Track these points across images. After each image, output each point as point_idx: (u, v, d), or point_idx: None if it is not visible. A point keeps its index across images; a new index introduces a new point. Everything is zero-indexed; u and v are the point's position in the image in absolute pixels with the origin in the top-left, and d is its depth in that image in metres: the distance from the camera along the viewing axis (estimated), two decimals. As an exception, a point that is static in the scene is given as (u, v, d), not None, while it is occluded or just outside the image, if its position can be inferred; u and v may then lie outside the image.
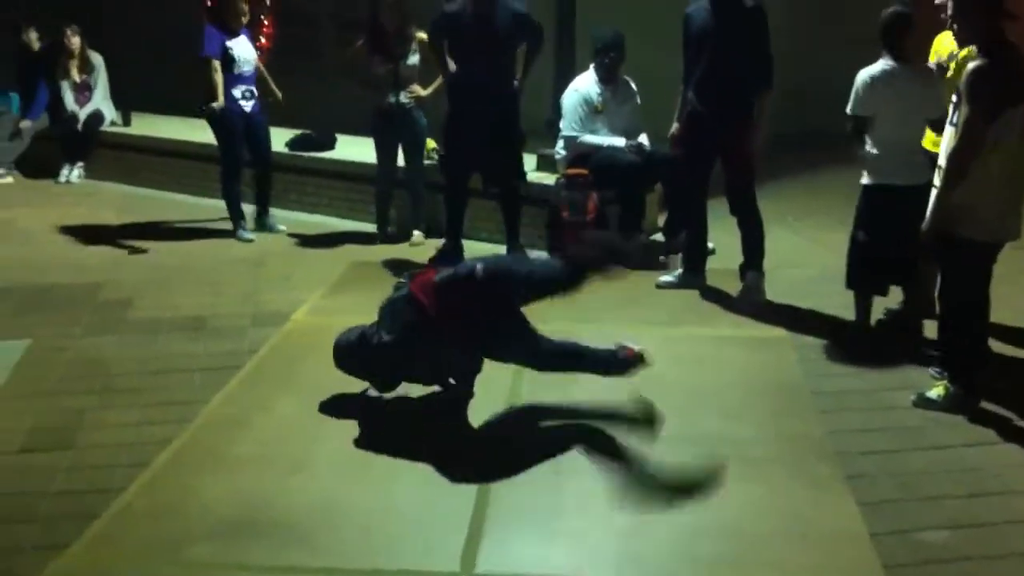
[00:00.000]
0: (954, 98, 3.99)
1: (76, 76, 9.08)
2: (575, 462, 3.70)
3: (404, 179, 6.92)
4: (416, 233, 6.84)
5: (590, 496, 3.46)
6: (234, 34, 6.82)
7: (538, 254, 3.96)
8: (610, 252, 4.07)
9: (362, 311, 4.28)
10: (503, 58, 6.00)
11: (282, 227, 7.20)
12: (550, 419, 4.08)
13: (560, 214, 6.29)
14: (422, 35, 6.45)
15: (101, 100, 9.20)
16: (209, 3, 7.21)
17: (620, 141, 6.34)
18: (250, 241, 6.95)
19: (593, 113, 6.38)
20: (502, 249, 6.24)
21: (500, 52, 5.96)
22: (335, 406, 4.18)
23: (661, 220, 6.70)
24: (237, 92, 6.83)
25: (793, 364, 4.63)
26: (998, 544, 3.20)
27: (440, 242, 6.47)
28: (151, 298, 5.66)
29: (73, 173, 9.06)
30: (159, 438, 3.91)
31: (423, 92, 6.68)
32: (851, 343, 4.88)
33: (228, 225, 7.10)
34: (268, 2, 8.95)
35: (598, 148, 6.33)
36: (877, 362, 4.65)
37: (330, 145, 7.92)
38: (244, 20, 6.89)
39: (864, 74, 4.67)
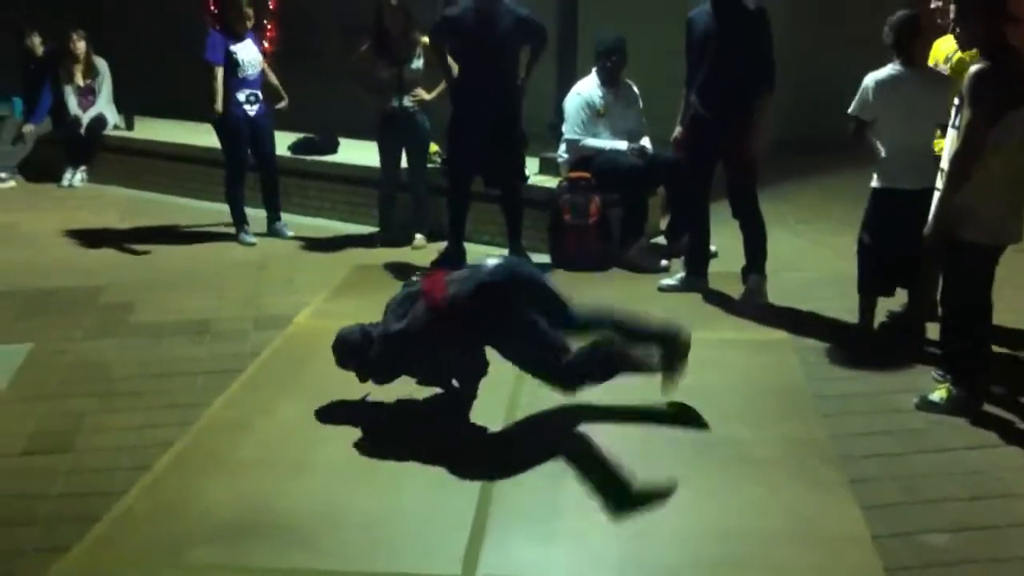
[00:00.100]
0: (956, 101, 3.99)
1: (80, 80, 9.11)
2: (577, 464, 3.69)
3: (407, 183, 6.93)
4: (418, 236, 6.84)
5: (592, 498, 3.46)
6: (239, 38, 6.79)
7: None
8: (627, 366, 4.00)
9: (364, 314, 4.28)
10: (505, 61, 5.99)
11: (290, 232, 7.20)
12: (552, 421, 4.07)
13: (562, 217, 6.30)
14: (426, 39, 6.46)
15: (104, 104, 9.22)
16: (213, 7, 7.20)
17: (622, 144, 6.34)
18: (252, 245, 6.95)
19: (595, 116, 6.39)
20: (503, 250, 6.24)
21: (502, 55, 5.96)
22: (337, 409, 4.18)
23: (663, 223, 6.71)
24: (241, 96, 6.81)
25: (795, 367, 4.62)
26: (1001, 547, 3.19)
27: (442, 245, 6.47)
28: (153, 301, 5.66)
29: (76, 177, 9.08)
30: (161, 441, 3.91)
31: (427, 96, 6.68)
32: (854, 345, 4.87)
33: (231, 229, 7.11)
34: (271, 6, 8.97)
35: (600, 151, 6.34)
36: (879, 365, 4.64)
37: (333, 148, 7.92)
38: (249, 24, 6.86)
39: (871, 78, 4.66)
